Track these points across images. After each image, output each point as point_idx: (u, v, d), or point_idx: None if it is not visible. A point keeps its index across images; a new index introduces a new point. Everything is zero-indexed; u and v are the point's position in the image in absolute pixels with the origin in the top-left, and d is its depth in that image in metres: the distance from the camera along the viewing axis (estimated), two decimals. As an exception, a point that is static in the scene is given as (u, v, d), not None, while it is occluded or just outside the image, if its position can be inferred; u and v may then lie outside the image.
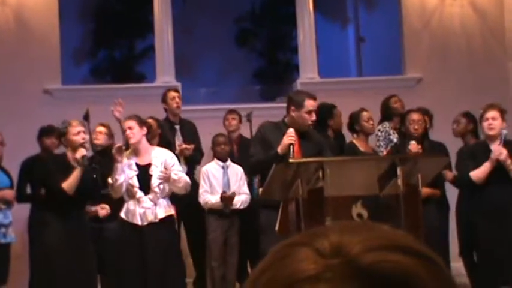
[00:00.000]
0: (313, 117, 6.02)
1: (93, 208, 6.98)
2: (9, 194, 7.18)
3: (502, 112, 6.61)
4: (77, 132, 6.19)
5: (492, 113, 6.56)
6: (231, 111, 8.49)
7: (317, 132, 7.47)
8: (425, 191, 6.82)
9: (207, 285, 7.67)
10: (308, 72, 10.18)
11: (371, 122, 7.62)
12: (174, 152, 7.57)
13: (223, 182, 7.50)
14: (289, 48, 12.76)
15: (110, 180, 6.30)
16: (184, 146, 7.74)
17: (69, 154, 6.21)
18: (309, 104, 6.01)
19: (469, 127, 7.58)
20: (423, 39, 10.23)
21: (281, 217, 5.43)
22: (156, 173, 6.43)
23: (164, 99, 8.18)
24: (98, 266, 6.65)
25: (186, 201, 7.20)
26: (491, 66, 10.15)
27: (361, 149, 7.35)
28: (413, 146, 6.90)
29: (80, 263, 6.10)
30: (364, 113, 7.65)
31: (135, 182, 6.37)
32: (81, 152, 6.09)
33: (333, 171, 4.98)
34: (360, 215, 5.09)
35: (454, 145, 7.27)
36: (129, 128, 6.44)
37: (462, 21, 10.26)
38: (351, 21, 13.15)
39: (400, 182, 5.01)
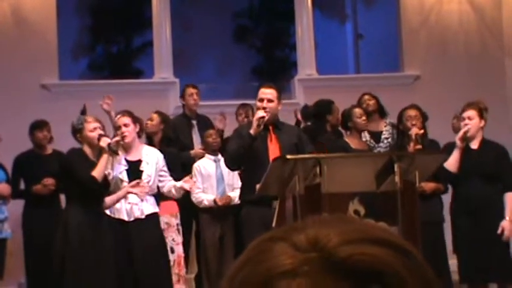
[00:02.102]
0: (264, 104, 6.17)
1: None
2: (5, 189, 7.18)
3: (481, 111, 6.64)
4: (93, 128, 6.18)
5: (468, 113, 6.59)
6: (244, 105, 8.47)
7: (315, 129, 7.51)
8: (429, 186, 6.85)
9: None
10: (306, 69, 10.19)
11: (363, 118, 7.60)
12: (190, 148, 7.68)
13: (216, 176, 7.50)
14: (287, 44, 12.77)
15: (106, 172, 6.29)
16: (200, 151, 7.79)
17: (86, 149, 6.19)
18: (260, 92, 6.29)
19: None
20: (421, 37, 10.24)
21: (278, 213, 5.43)
22: (147, 169, 6.45)
23: (183, 95, 8.36)
24: None
25: (187, 197, 7.25)
26: (488, 63, 10.16)
27: (353, 146, 7.32)
28: (415, 130, 6.94)
29: (106, 252, 6.05)
30: (356, 110, 7.63)
31: (125, 176, 6.37)
32: (105, 141, 6.07)
33: (330, 168, 4.97)
34: (357, 212, 5.09)
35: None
36: (125, 125, 6.44)
37: (460, 19, 10.27)
38: (349, 18, 13.15)
39: (397, 178, 4.99)
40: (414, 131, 6.95)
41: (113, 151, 6.08)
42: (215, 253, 7.49)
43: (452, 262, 7.07)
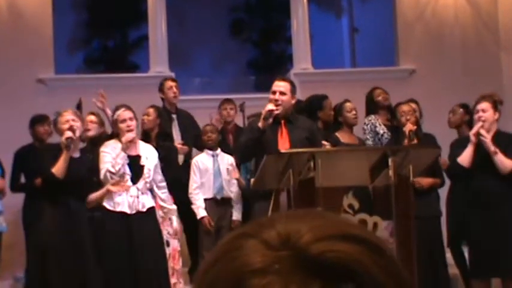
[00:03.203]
0: (276, 96, 6.16)
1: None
2: (0, 183, 7.19)
3: (495, 103, 6.58)
4: (65, 120, 6.19)
5: (482, 105, 6.52)
6: (228, 100, 8.45)
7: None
8: (426, 181, 6.86)
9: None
10: (302, 63, 10.19)
11: (354, 113, 7.59)
12: (172, 142, 7.65)
13: (214, 170, 7.51)
14: (283, 38, 12.76)
15: (110, 168, 6.30)
16: (180, 145, 7.77)
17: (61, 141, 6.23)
18: (274, 84, 6.27)
19: (464, 118, 7.57)
20: (417, 31, 10.25)
21: (273, 207, 5.45)
22: (147, 164, 6.48)
23: (161, 89, 8.16)
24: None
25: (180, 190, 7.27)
26: (484, 57, 10.17)
27: (344, 140, 7.31)
28: (409, 126, 6.94)
29: (76, 251, 6.10)
30: (347, 104, 7.64)
31: (127, 170, 6.40)
32: (66, 134, 6.08)
33: (325, 162, 4.97)
34: (351, 206, 5.10)
35: (446, 137, 7.26)
36: (130, 119, 6.47)
37: (456, 13, 10.28)
38: (345, 12, 13.16)
39: (391, 172, 5.00)
40: (408, 127, 6.96)
41: (65, 146, 6.08)
42: (213, 244, 7.50)
43: (448, 256, 7.12)
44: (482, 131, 6.32)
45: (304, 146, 5.98)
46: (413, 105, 7.52)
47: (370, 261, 0.78)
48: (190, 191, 7.45)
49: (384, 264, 0.80)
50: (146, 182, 6.45)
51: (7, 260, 7.51)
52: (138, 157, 6.50)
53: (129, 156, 6.43)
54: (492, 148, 6.28)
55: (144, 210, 6.40)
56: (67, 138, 6.08)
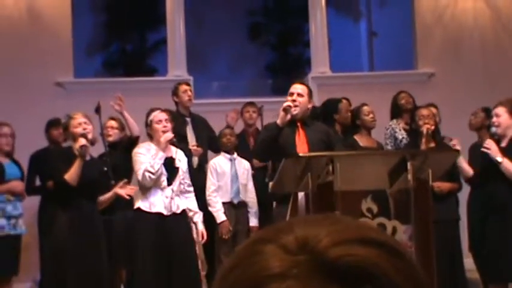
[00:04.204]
0: (294, 98, 6.19)
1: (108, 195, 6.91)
2: (18, 185, 7.20)
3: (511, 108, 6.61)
4: (77, 123, 6.20)
5: (498, 110, 6.59)
6: (250, 103, 8.48)
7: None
8: (445, 185, 6.85)
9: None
10: (320, 67, 10.20)
11: (371, 116, 7.61)
12: (187, 146, 7.67)
13: (231, 174, 7.53)
14: (301, 42, 12.76)
15: (149, 168, 6.34)
16: (194, 147, 7.79)
17: (74, 146, 6.25)
18: (292, 87, 6.32)
19: (485, 122, 7.56)
20: (435, 34, 10.23)
21: (291, 211, 5.45)
22: (181, 166, 6.58)
23: (175, 92, 8.17)
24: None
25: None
26: (503, 60, 10.14)
27: (362, 144, 7.33)
28: (427, 126, 6.95)
29: (91, 253, 6.14)
30: (365, 107, 7.66)
31: (164, 170, 6.44)
32: (80, 142, 6.09)
33: (343, 166, 4.96)
34: (369, 210, 5.09)
35: (465, 140, 7.23)
36: (166, 120, 6.53)
37: (475, 16, 10.25)
38: (363, 16, 13.15)
39: (410, 176, 4.99)
40: (426, 127, 6.97)
41: (80, 154, 6.09)
42: (229, 248, 7.52)
43: (468, 260, 7.08)
44: (486, 144, 6.44)
45: (321, 148, 6.01)
46: (434, 110, 7.51)
47: (389, 264, 0.78)
48: (208, 193, 7.46)
49: (403, 268, 0.80)
50: (181, 183, 6.54)
51: (26, 263, 7.54)
52: (173, 159, 6.56)
53: (165, 158, 6.49)
54: (496, 158, 6.37)
55: (179, 212, 6.48)
56: (81, 146, 6.09)
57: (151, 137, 6.64)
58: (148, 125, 6.68)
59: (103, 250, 6.30)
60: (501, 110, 6.56)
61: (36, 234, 7.68)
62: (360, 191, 5.11)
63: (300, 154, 5.31)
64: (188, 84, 8.36)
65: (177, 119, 7.69)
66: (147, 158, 6.39)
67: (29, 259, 7.77)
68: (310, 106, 6.42)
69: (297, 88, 6.30)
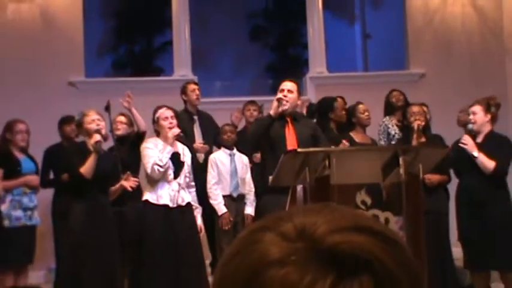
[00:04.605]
0: (284, 94, 6.26)
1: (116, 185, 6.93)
2: (34, 179, 7.24)
3: (488, 106, 6.65)
4: (91, 120, 6.25)
5: (473, 108, 6.65)
6: (251, 102, 8.49)
7: (319, 124, 7.53)
8: (435, 178, 6.88)
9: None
10: (317, 67, 10.20)
11: (366, 114, 7.63)
12: (192, 143, 7.70)
13: (230, 168, 7.54)
14: (299, 44, 12.77)
15: (158, 161, 6.35)
16: (201, 145, 7.81)
17: (88, 141, 6.28)
18: (282, 84, 6.39)
19: None
20: (426, 37, 10.23)
21: (290, 203, 5.46)
22: (187, 161, 6.61)
23: (184, 91, 8.19)
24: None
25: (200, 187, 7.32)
26: (489, 61, 10.15)
27: (357, 140, 7.36)
28: (417, 122, 6.99)
29: (105, 242, 6.15)
30: (360, 106, 7.68)
31: (171, 165, 6.46)
32: (95, 138, 6.14)
33: (339, 161, 4.95)
34: (364, 202, 5.10)
35: (454, 137, 7.25)
36: (171, 117, 6.57)
37: (463, 20, 10.25)
38: (358, 19, 13.15)
39: (402, 171, 4.99)
40: (416, 123, 7.01)
41: (95, 150, 6.12)
42: (230, 237, 7.54)
43: (457, 250, 7.11)
44: (463, 140, 6.52)
45: (309, 142, 6.07)
46: (423, 108, 7.53)
47: (384, 252, 0.78)
48: (209, 186, 7.45)
49: (397, 256, 0.79)
50: (186, 177, 6.57)
51: (41, 252, 7.55)
52: (179, 154, 6.59)
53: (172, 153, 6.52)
54: (472, 153, 6.45)
55: (184, 204, 6.51)
56: (97, 142, 6.12)
57: (158, 133, 6.68)
58: (155, 121, 6.73)
59: (116, 240, 6.32)
60: (477, 108, 6.61)
61: (49, 224, 7.71)
62: (354, 184, 5.11)
63: (298, 150, 5.31)
64: (196, 84, 8.37)
65: (182, 117, 7.72)
66: (155, 152, 6.43)
67: (43, 248, 7.78)
68: (299, 102, 6.47)
69: (287, 85, 6.35)
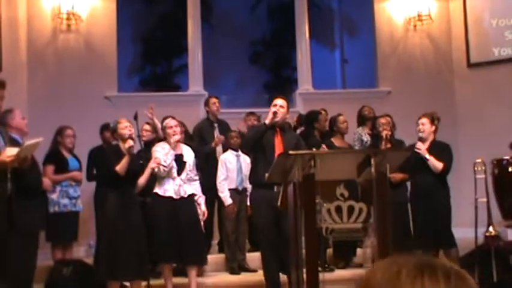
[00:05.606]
0: (276, 108, 6.21)
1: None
2: (78, 175, 7.28)
3: (432, 119, 6.74)
4: (124, 126, 6.24)
5: (422, 120, 6.72)
6: (252, 113, 8.48)
7: (306, 133, 7.55)
8: (398, 176, 6.90)
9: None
10: (305, 85, 10.22)
11: (345, 124, 7.67)
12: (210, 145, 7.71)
13: (237, 167, 7.53)
14: (290, 66, 12.70)
15: (162, 162, 6.33)
16: (220, 137, 7.87)
17: (121, 145, 6.28)
18: (274, 101, 6.31)
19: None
20: (392, 61, 10.26)
21: (282, 195, 5.46)
22: (188, 160, 6.54)
23: (207, 104, 8.25)
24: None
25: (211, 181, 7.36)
26: (441, 81, 10.19)
27: (337, 144, 7.40)
28: (386, 132, 7.04)
29: (133, 225, 6.11)
30: (341, 117, 7.71)
31: (174, 165, 6.47)
32: (129, 143, 6.12)
33: (322, 161, 4.89)
34: (342, 195, 5.03)
35: (413, 142, 7.29)
36: (175, 126, 6.54)
37: (421, 49, 10.30)
38: (337, 46, 13.15)
39: (373, 169, 4.97)
40: (385, 132, 7.06)
41: (128, 152, 6.13)
42: (234, 224, 7.56)
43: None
44: (417, 145, 6.61)
45: (293, 149, 6.01)
46: (388, 119, 7.58)
47: None
48: (218, 181, 7.42)
49: None
50: (187, 174, 6.50)
51: (83, 232, 7.59)
52: (181, 155, 6.56)
53: (175, 154, 6.53)
54: (425, 156, 6.54)
55: (186, 196, 6.46)
56: (130, 147, 6.15)
57: (165, 138, 6.70)
58: (162, 129, 6.74)
59: (141, 222, 6.30)
60: (425, 120, 6.73)
61: (91, 210, 7.75)
62: (335, 180, 5.04)
63: (290, 152, 5.31)
64: (217, 98, 8.38)
65: (204, 124, 7.78)
66: (161, 154, 6.40)
67: (86, 229, 7.81)
68: (288, 116, 6.46)
69: (279, 102, 6.28)
